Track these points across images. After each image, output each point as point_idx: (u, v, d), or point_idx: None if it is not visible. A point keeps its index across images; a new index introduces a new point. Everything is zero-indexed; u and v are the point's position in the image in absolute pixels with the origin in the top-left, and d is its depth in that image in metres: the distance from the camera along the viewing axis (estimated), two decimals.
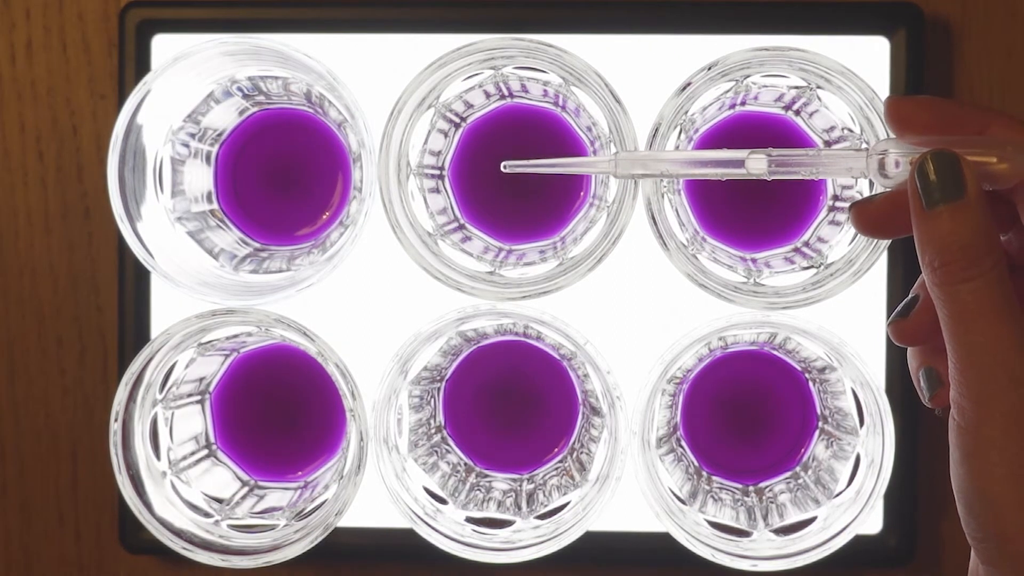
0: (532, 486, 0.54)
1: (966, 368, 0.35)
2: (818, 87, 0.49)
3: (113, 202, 0.49)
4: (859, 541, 0.50)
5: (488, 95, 0.52)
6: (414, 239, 0.49)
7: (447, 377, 0.54)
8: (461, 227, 0.53)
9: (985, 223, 0.34)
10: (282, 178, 0.54)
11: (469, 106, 0.52)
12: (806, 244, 0.52)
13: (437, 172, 0.52)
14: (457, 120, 0.52)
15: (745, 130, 0.53)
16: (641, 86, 0.53)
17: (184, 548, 0.49)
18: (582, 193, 0.53)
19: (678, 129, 0.50)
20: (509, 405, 0.55)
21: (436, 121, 0.51)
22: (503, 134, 0.53)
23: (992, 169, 0.35)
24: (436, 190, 0.52)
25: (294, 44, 0.48)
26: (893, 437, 0.49)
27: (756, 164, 0.40)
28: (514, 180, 0.52)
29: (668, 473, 0.52)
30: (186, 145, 0.52)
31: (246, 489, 0.54)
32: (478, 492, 0.54)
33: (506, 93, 0.52)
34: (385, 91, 0.50)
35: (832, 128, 0.51)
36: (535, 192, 0.53)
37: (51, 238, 0.59)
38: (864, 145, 0.46)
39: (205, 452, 0.54)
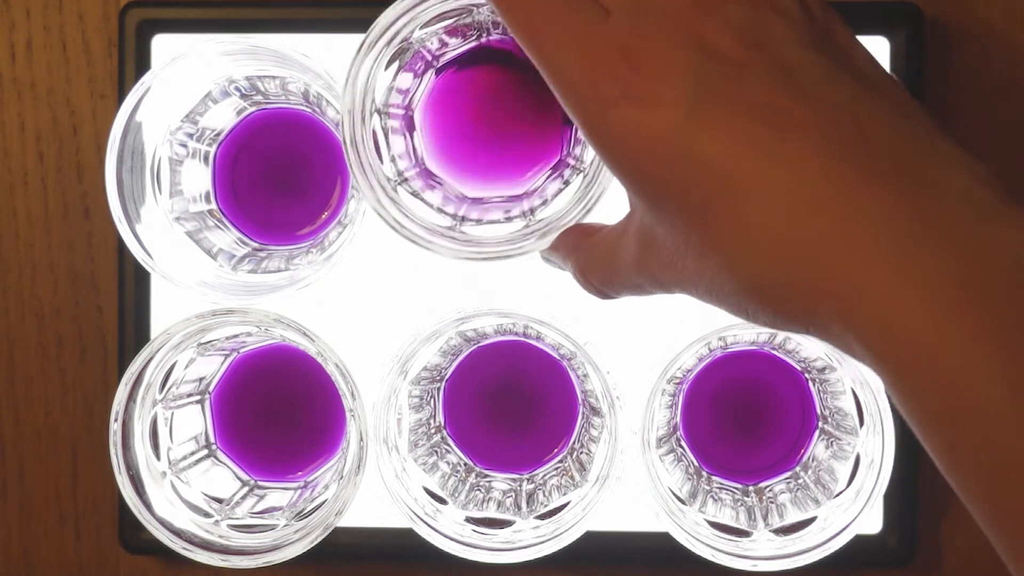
0: (532, 486, 0.54)
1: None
2: None
3: (111, 203, 0.49)
4: (859, 541, 0.50)
5: (465, 35, 0.49)
6: (374, 183, 0.46)
7: (447, 377, 0.54)
8: (421, 172, 0.49)
9: None
10: (280, 178, 0.54)
11: (444, 45, 0.49)
12: None
13: (402, 111, 0.49)
14: (430, 59, 0.49)
15: None
16: None
17: (184, 548, 0.49)
18: (556, 147, 0.49)
19: None
20: (509, 405, 0.55)
21: (407, 58, 0.48)
22: (479, 78, 0.50)
23: None
24: (398, 131, 0.49)
25: (293, 44, 0.48)
26: (893, 437, 0.49)
27: None
28: (485, 127, 0.49)
29: (668, 473, 0.52)
30: (184, 145, 0.52)
31: (246, 489, 0.54)
32: (478, 492, 0.54)
33: (486, 31, 0.49)
34: None
35: None
36: (505, 142, 0.50)
37: (51, 238, 0.59)
38: None
39: (205, 452, 0.54)
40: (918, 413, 0.28)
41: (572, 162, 0.49)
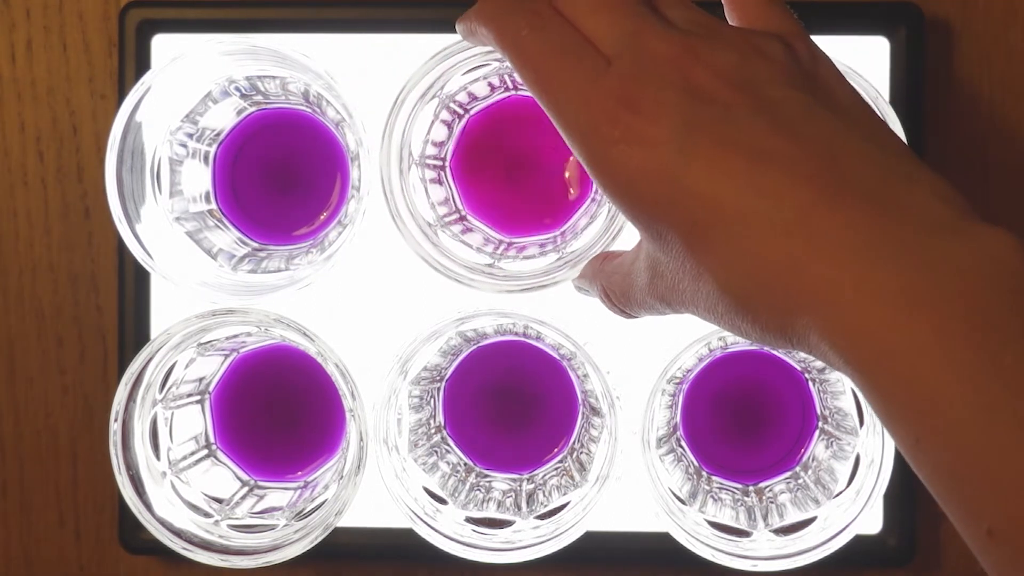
0: (532, 486, 0.54)
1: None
2: None
3: (111, 203, 0.49)
4: (859, 541, 0.50)
5: (493, 87, 0.51)
6: (414, 230, 0.48)
7: (447, 377, 0.54)
8: (462, 218, 0.52)
9: None
10: (280, 178, 0.54)
11: (473, 97, 0.51)
12: None
13: (439, 163, 0.52)
14: (461, 111, 0.51)
15: None
16: None
17: (184, 548, 0.49)
18: (586, 188, 0.52)
19: None
20: (509, 405, 0.55)
21: (439, 112, 0.50)
22: (507, 126, 0.52)
23: None
24: (438, 181, 0.52)
25: (293, 44, 0.48)
26: None
27: None
28: (517, 172, 0.51)
29: (668, 473, 0.52)
30: (184, 145, 0.52)
31: (246, 489, 0.54)
32: (478, 492, 0.54)
33: (510, 86, 0.51)
34: (383, 90, 0.50)
35: None
36: (538, 185, 0.53)
37: (51, 238, 0.59)
38: None
39: (205, 452, 0.54)
40: (886, 411, 0.31)
41: (598, 198, 0.51)
